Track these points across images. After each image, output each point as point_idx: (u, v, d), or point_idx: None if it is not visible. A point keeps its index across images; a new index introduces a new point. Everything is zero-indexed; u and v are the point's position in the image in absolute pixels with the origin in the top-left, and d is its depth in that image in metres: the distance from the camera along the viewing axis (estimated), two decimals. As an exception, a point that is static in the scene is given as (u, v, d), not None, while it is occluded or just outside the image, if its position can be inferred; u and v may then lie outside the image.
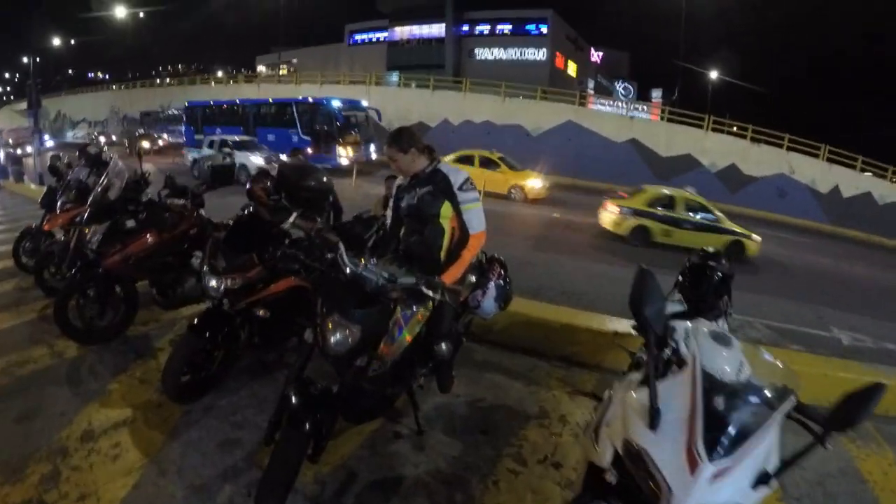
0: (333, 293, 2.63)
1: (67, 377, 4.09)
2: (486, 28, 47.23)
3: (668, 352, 2.17)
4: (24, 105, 48.87)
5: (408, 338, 2.83)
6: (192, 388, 3.59)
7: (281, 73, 46.71)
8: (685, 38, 33.36)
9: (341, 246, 2.66)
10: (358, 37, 52.36)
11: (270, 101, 26.98)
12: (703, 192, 14.74)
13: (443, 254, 3.16)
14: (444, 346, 3.08)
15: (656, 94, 34.51)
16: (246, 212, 3.91)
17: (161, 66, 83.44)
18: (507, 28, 46.54)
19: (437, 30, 46.65)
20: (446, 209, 3.09)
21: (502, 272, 3.69)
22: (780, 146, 25.33)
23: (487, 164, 18.28)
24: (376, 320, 2.61)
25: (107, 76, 79.01)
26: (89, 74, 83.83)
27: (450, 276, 2.94)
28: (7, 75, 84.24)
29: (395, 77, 37.02)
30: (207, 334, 3.48)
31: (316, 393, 2.60)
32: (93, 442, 3.28)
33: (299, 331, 3.64)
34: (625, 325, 4.63)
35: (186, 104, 30.15)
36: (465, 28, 47.60)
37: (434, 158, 3.19)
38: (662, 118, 28.52)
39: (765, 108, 40.45)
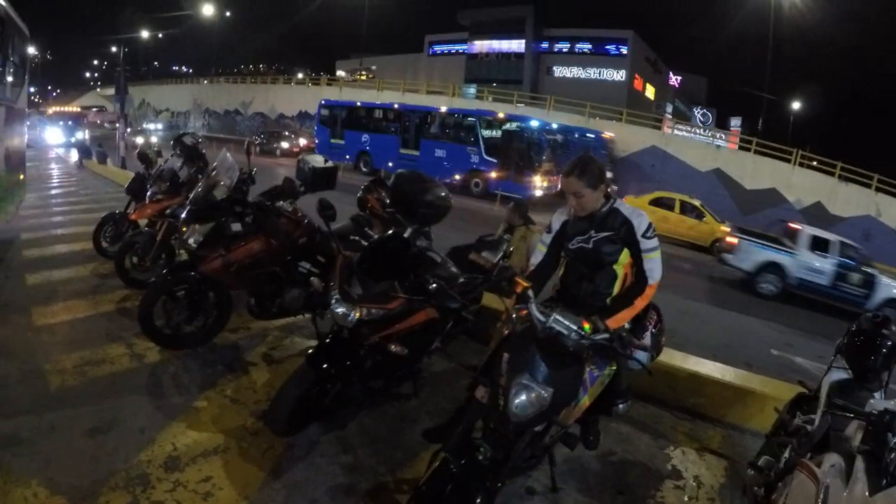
0: (521, 348, 2.30)
1: (148, 386, 3.69)
2: (565, 46, 46.66)
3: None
4: (110, 91, 51.82)
5: (587, 402, 2.56)
6: (296, 419, 3.10)
7: (359, 78, 47.18)
8: (767, 65, 31.81)
9: (531, 293, 2.38)
10: (437, 48, 52.40)
11: (444, 110, 22.99)
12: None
13: (606, 300, 2.88)
14: (622, 405, 2.90)
15: (735, 123, 33.23)
16: (387, 232, 3.45)
17: (242, 65, 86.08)
18: (586, 47, 45.83)
19: (516, 45, 46.39)
20: (624, 256, 2.82)
21: (658, 320, 3.11)
22: (869, 186, 23.56)
23: (688, 210, 16.23)
24: (569, 383, 2.34)
25: (190, 70, 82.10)
26: (173, 67, 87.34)
27: (615, 322, 2.64)
28: (96, 62, 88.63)
29: (472, 89, 36.71)
30: (326, 366, 3.00)
31: (485, 462, 2.24)
32: (179, 472, 2.82)
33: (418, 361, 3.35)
34: (759, 382, 4.39)
35: (323, 103, 27.04)
36: (545, 45, 47.11)
37: (609, 195, 2.87)
38: (743, 148, 27.02)
39: (850, 143, 38.14)
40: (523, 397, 2.16)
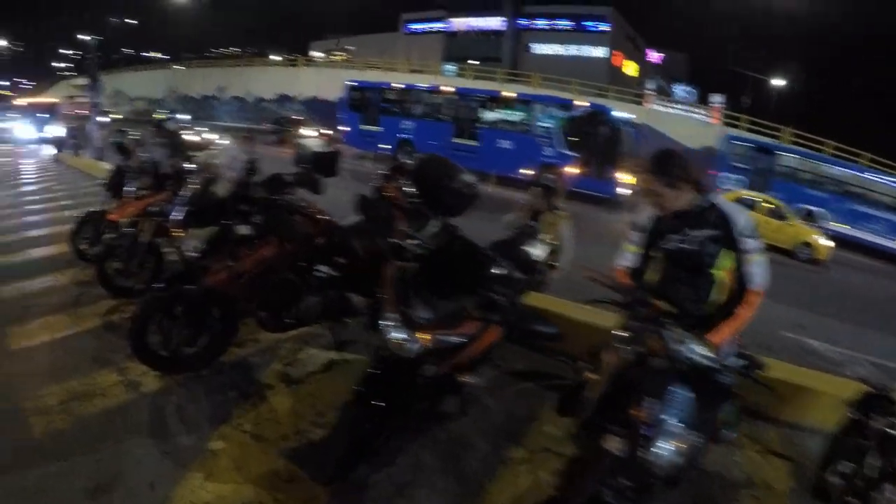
0: (656, 384, 2.03)
1: (151, 424, 3.10)
2: (544, 23, 46.31)
3: None
4: (81, 80, 50.07)
5: None
6: (343, 462, 2.58)
7: (334, 58, 46.09)
8: (742, 41, 31.55)
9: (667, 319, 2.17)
10: (413, 26, 51.59)
11: (510, 95, 20.14)
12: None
13: (705, 306, 2.62)
14: (729, 431, 2.82)
15: (718, 99, 33.00)
16: (451, 239, 2.84)
17: (214, 48, 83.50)
18: (566, 24, 45.56)
19: (494, 22, 46.07)
20: (725, 258, 2.57)
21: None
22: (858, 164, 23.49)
23: (772, 212, 14.43)
24: (708, 420, 2.16)
25: (162, 56, 79.72)
26: (145, 54, 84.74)
27: (719, 337, 2.38)
28: (67, 52, 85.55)
29: (452, 68, 35.96)
30: (376, 401, 2.47)
31: None
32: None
33: None
34: (810, 377, 4.06)
35: (351, 84, 23.64)
36: (524, 22, 46.69)
37: (702, 190, 2.62)
38: (730, 124, 26.79)
39: (833, 121, 38.10)
40: (670, 445, 1.87)
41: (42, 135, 24.40)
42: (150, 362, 3.42)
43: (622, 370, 2.24)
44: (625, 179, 16.27)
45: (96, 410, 3.17)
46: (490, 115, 19.56)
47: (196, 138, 17.91)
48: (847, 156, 23.47)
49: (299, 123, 27.06)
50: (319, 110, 34.74)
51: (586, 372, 2.82)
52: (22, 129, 25.98)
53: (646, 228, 2.75)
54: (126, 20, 47.49)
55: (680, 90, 32.44)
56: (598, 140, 16.79)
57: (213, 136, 19.55)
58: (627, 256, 2.81)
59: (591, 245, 5.81)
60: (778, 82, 36.21)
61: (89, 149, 17.30)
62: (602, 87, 29.07)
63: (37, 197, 10.84)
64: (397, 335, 2.36)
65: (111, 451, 2.81)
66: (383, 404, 2.42)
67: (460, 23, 47.53)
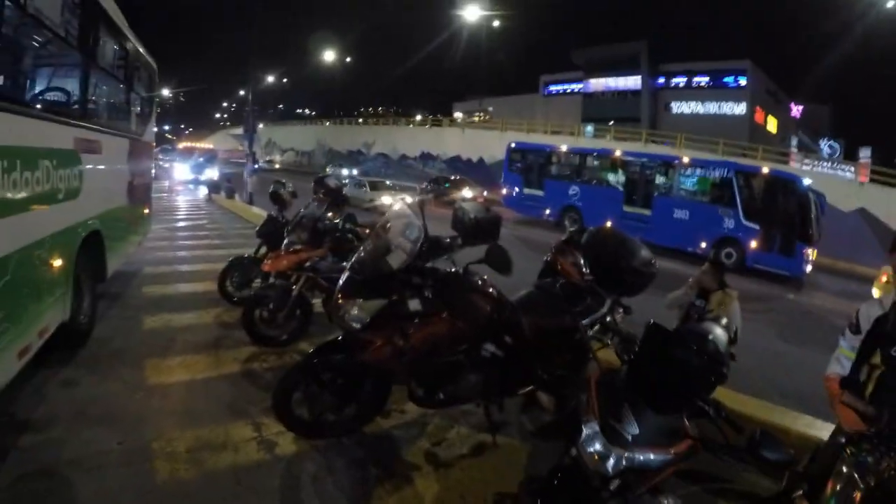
0: None
1: (282, 492, 2.84)
2: (682, 80, 45.30)
3: None
4: (238, 130, 55.41)
5: None
6: None
7: (476, 119, 47.35)
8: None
9: None
10: (552, 87, 52.04)
11: (687, 160, 18.15)
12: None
13: None
14: None
15: (864, 154, 29.50)
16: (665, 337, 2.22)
17: (362, 107, 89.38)
18: (703, 80, 44.31)
19: (632, 82, 45.41)
20: None
21: None
22: None
23: None
24: None
25: (312, 112, 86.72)
26: (297, 109, 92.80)
27: None
28: (225, 104, 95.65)
29: (590, 128, 35.53)
30: None
31: None
32: None
33: None
34: None
35: (513, 146, 22.65)
36: (661, 80, 45.87)
37: None
38: (884, 182, 23.95)
39: None
40: None
41: (199, 176, 26.83)
42: (291, 424, 3.19)
43: None
44: (811, 256, 14.54)
45: (224, 465, 3.00)
46: (665, 183, 17.97)
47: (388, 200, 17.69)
48: None
49: (459, 184, 24.92)
50: (461, 170, 35.33)
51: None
52: (180, 170, 28.78)
53: (865, 329, 2.33)
54: (282, 79, 52.10)
55: (825, 145, 29.73)
56: (785, 211, 15.03)
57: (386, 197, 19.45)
58: (843, 363, 2.40)
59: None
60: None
61: (242, 193, 18.70)
62: (748, 147, 27.35)
63: (189, 233, 11.64)
64: (595, 448, 1.96)
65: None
66: None
67: (598, 83, 47.18)
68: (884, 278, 11.85)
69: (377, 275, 3.07)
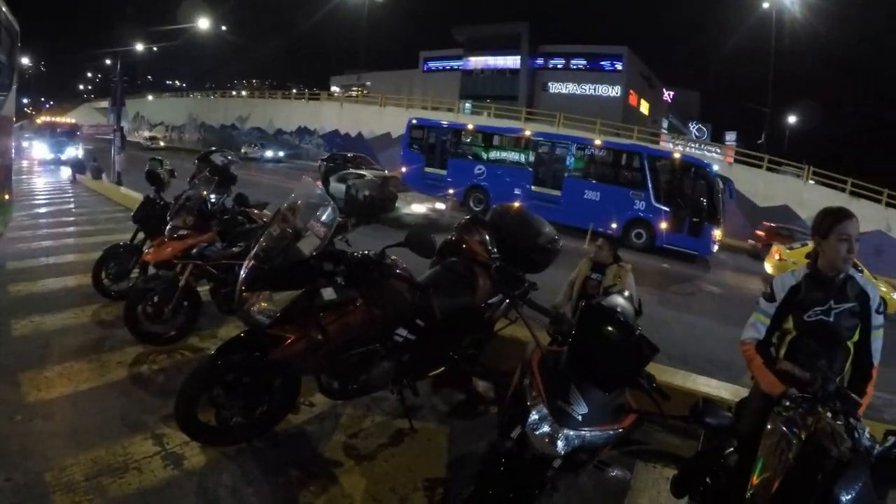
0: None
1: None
2: (560, 62, 46.83)
3: None
4: (104, 103, 50.71)
5: None
6: None
7: (353, 93, 46.45)
8: (759, 78, 31.54)
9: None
10: (432, 64, 52.17)
11: (599, 142, 18.83)
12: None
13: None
14: None
15: (730, 137, 32.90)
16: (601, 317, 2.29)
17: (236, 80, 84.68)
18: (581, 63, 46.04)
19: (511, 61, 46.29)
20: (856, 332, 2.48)
21: None
22: (879, 201, 23.50)
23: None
24: None
25: (183, 84, 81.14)
26: (167, 81, 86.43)
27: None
28: (90, 75, 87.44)
29: (468, 105, 36.07)
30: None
31: None
32: None
33: None
34: None
35: (414, 122, 22.07)
36: (540, 61, 47.24)
37: None
38: (745, 162, 26.71)
39: (849, 158, 37.74)
40: None
41: (59, 155, 24.27)
42: (196, 434, 2.91)
43: (802, 460, 1.82)
44: (717, 237, 15.80)
45: (131, 490, 2.64)
46: (576, 164, 18.32)
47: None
48: (866, 192, 23.58)
49: (354, 162, 23.70)
50: (339, 145, 34.86)
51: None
52: (39, 148, 25.83)
53: (780, 298, 2.54)
54: (152, 46, 48.24)
55: (693, 128, 32.46)
56: (694, 195, 16.06)
57: None
58: (758, 328, 2.56)
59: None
60: (792, 119, 36.20)
61: (110, 173, 17.13)
62: (623, 127, 29.09)
63: (53, 219, 10.53)
64: (542, 429, 2.01)
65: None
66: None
67: (477, 61, 47.79)
68: (776, 256, 13.38)
69: (287, 264, 2.87)
